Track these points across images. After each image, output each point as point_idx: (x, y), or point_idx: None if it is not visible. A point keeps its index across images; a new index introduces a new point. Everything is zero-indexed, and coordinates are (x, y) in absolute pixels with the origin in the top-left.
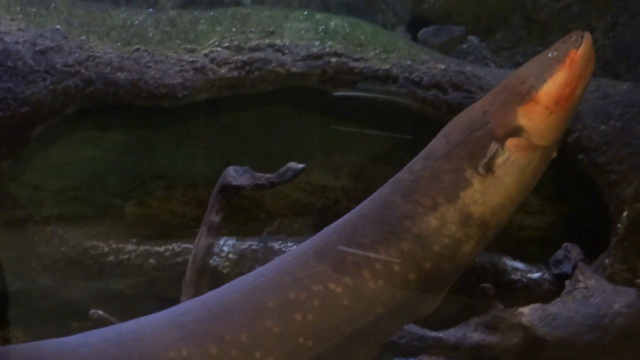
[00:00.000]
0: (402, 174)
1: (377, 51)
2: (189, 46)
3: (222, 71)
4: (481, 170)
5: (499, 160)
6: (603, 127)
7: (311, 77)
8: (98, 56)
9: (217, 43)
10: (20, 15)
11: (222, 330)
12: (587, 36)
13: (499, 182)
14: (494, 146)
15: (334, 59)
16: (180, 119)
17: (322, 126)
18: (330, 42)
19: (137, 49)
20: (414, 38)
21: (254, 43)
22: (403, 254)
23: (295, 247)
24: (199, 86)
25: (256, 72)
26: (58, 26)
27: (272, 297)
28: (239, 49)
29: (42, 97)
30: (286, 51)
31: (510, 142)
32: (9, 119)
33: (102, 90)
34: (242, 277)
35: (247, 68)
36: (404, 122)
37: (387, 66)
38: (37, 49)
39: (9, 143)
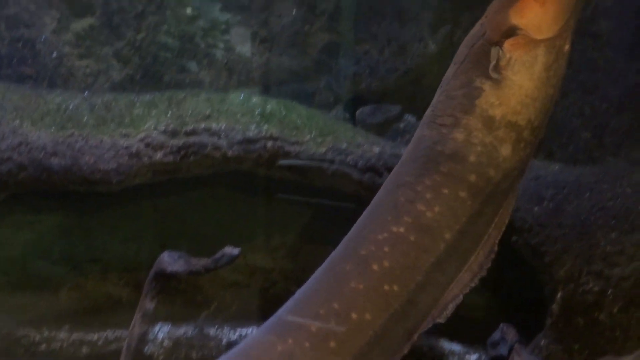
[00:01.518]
0: (427, 111)
1: (312, 134)
2: (124, 130)
3: (158, 156)
4: (489, 76)
5: (502, 62)
6: (536, 208)
7: (247, 161)
8: (31, 141)
9: (152, 127)
10: None
11: (315, 307)
12: None
13: (509, 82)
14: (494, 50)
15: (270, 143)
16: (115, 202)
17: (259, 208)
18: (266, 126)
19: (72, 134)
20: (352, 117)
21: (190, 127)
22: (445, 175)
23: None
24: (134, 171)
25: (192, 157)
26: None
27: (347, 260)
28: (174, 133)
29: None
30: (222, 135)
31: (508, 42)
32: None
33: (36, 176)
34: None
35: (182, 152)
36: (341, 204)
37: (322, 149)
38: None
39: None
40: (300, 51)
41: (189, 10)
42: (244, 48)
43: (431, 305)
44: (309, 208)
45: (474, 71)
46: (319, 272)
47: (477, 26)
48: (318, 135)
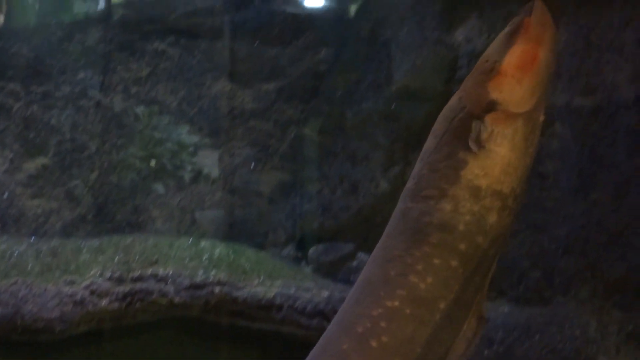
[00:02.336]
0: (407, 184)
1: (261, 279)
2: (69, 278)
3: (103, 303)
4: (472, 148)
5: (484, 135)
6: (486, 351)
7: (194, 307)
8: None
9: (98, 274)
10: None
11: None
12: (538, 3)
13: (492, 154)
14: (475, 124)
15: (217, 288)
16: (59, 350)
17: (206, 354)
18: (214, 271)
19: (15, 282)
20: (305, 256)
21: (136, 273)
22: (435, 245)
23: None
24: (78, 319)
25: (138, 304)
26: None
27: (343, 340)
28: (120, 280)
29: None
30: (169, 281)
31: (489, 117)
32: None
33: None
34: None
35: (128, 299)
36: (291, 349)
37: (270, 295)
38: None
39: None
40: (252, 191)
41: (158, 133)
42: (213, 170)
43: None
44: (257, 352)
45: (457, 144)
46: (314, 353)
47: (455, 100)
48: (267, 279)
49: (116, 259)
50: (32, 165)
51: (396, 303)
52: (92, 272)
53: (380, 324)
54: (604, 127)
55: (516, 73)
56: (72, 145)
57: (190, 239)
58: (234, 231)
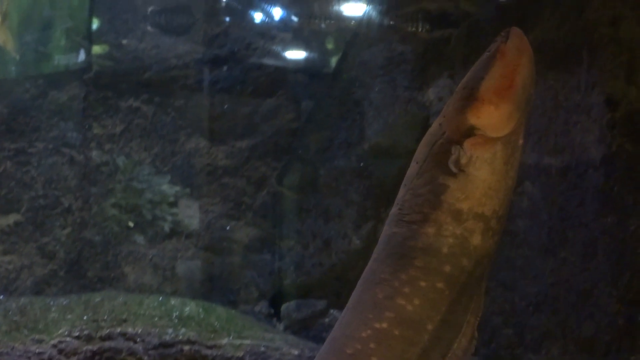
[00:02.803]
0: (392, 210)
1: (231, 337)
2: (37, 336)
3: None
4: (452, 172)
5: (463, 160)
6: None
7: None
8: None
9: (67, 332)
10: None
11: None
12: (514, 30)
13: (472, 178)
14: (455, 149)
15: (186, 347)
16: None
17: None
18: (183, 329)
19: None
20: (277, 312)
21: (105, 332)
22: (421, 269)
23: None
24: None
25: None
26: None
27: None
28: (89, 338)
29: None
30: (138, 340)
31: (468, 142)
32: None
33: None
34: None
35: (96, 358)
36: None
37: (240, 353)
38: None
39: None
40: (226, 247)
41: (138, 183)
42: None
43: None
44: None
45: (437, 169)
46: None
47: (436, 125)
48: (236, 338)
49: (85, 317)
50: (4, 222)
51: (384, 325)
52: (60, 331)
53: (370, 345)
54: (572, 187)
55: (493, 98)
56: (45, 201)
57: (161, 297)
58: (206, 288)
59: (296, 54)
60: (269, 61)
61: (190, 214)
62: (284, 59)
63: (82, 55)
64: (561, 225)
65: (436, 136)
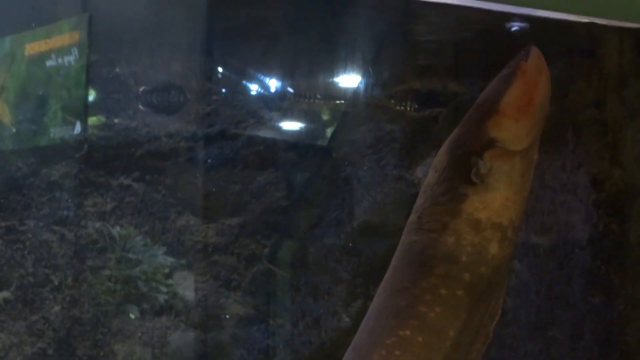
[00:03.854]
0: (410, 218)
1: None
2: None
3: None
4: (472, 182)
5: (483, 171)
6: None
7: None
8: None
9: None
10: None
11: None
12: (533, 48)
13: (491, 188)
14: (475, 160)
15: None
16: None
17: None
18: None
19: None
20: None
21: None
22: (441, 277)
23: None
24: None
25: None
26: None
27: None
28: None
29: None
30: None
31: (488, 154)
32: None
33: None
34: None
35: None
36: None
37: None
38: None
39: None
40: (215, 325)
41: (133, 254)
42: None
43: None
44: None
45: (457, 178)
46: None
47: (455, 136)
48: None
49: None
50: None
51: (408, 332)
52: None
53: (395, 352)
54: (560, 266)
55: (514, 113)
56: (35, 279)
57: None
58: None
59: (286, 133)
60: (258, 139)
61: (182, 292)
62: (274, 138)
63: (76, 131)
64: (549, 305)
65: (456, 147)
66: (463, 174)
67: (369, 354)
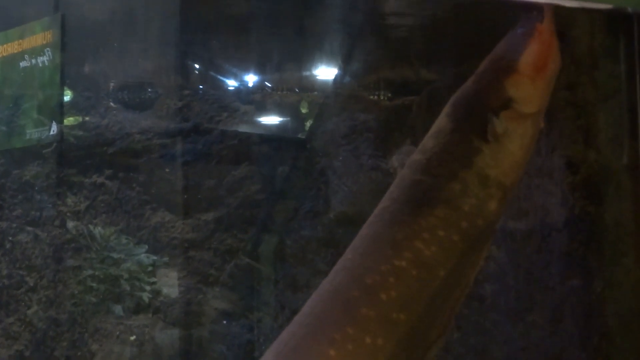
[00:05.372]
0: (415, 156)
1: None
2: None
3: None
4: (487, 139)
5: (500, 130)
6: None
7: None
8: None
9: None
10: None
11: (330, 333)
12: (547, 13)
13: (504, 148)
14: (491, 118)
15: None
16: None
17: None
18: None
19: None
20: None
21: None
22: (441, 219)
23: (352, 244)
24: None
25: None
26: None
27: (353, 288)
28: None
29: None
30: None
31: (505, 114)
32: None
33: None
34: (322, 284)
35: None
36: None
37: None
38: None
39: None
40: (194, 321)
41: (113, 254)
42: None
43: (426, 334)
44: None
45: (473, 132)
46: (321, 298)
47: (471, 90)
48: None
49: None
50: None
51: (403, 263)
52: None
53: (389, 279)
54: (537, 250)
55: (531, 73)
56: (10, 281)
57: None
58: None
59: (260, 126)
60: (232, 133)
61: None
62: (248, 131)
63: (52, 131)
64: (528, 289)
65: (472, 101)
66: (479, 128)
67: (362, 277)
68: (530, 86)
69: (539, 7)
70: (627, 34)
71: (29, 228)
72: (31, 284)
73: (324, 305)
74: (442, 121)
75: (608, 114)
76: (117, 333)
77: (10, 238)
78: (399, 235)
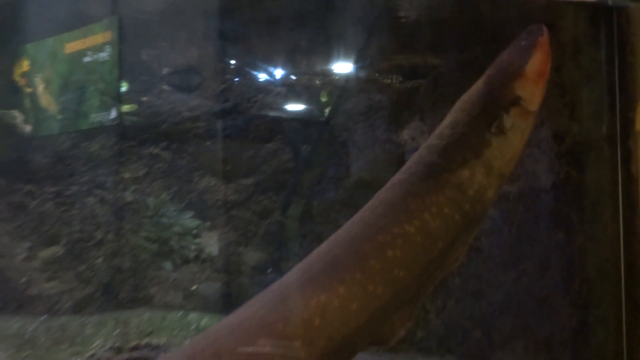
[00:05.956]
0: (433, 140)
1: None
2: (75, 349)
3: None
4: (496, 132)
5: (507, 124)
6: None
7: None
8: None
9: (100, 345)
10: None
11: (341, 274)
12: (543, 27)
13: (509, 141)
14: (502, 114)
15: None
16: None
17: None
18: None
19: (26, 356)
20: None
21: (133, 344)
22: (449, 199)
23: (370, 204)
24: None
25: None
26: None
27: (366, 242)
28: (119, 350)
29: None
30: (162, 349)
31: (513, 110)
32: None
33: None
34: (336, 233)
35: None
36: None
37: None
38: None
39: None
40: (236, 269)
41: (166, 219)
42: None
43: (416, 292)
44: None
45: (486, 127)
46: (339, 244)
47: (484, 90)
48: None
49: (116, 332)
50: (47, 253)
51: (412, 229)
52: (95, 344)
53: (398, 241)
54: (527, 209)
55: (535, 77)
56: (81, 235)
57: (181, 313)
58: (220, 304)
59: (290, 105)
60: (267, 112)
61: (205, 243)
62: (280, 110)
63: (111, 113)
64: (519, 242)
65: (485, 98)
66: (489, 123)
67: (375, 235)
68: (534, 88)
69: (538, 25)
70: (608, 24)
71: (97, 191)
72: (99, 238)
73: (340, 250)
74: (458, 114)
75: (590, 93)
76: (171, 280)
77: (80, 200)
78: (412, 205)
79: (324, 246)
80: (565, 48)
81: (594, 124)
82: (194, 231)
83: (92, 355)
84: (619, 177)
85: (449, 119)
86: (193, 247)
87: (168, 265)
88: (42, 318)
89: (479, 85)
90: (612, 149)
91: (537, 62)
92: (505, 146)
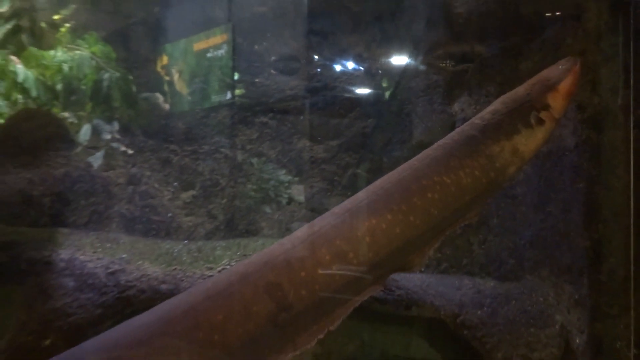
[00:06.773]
0: (475, 120)
1: None
2: (209, 265)
3: None
4: (527, 125)
5: (535, 122)
6: (479, 312)
7: None
8: (149, 274)
9: (227, 262)
10: (100, 249)
11: (390, 204)
12: (580, 60)
13: (534, 134)
14: (534, 113)
15: None
16: None
17: None
18: None
19: (175, 269)
20: None
21: None
22: (480, 165)
23: (419, 156)
24: None
25: None
26: (124, 255)
27: (413, 183)
28: None
29: (110, 303)
30: None
31: (543, 114)
32: (88, 318)
33: (150, 296)
34: (389, 174)
35: None
36: None
37: None
38: (109, 270)
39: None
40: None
41: (265, 175)
42: (300, 198)
43: (442, 232)
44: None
45: (519, 120)
46: (391, 182)
47: (523, 93)
48: None
49: (238, 253)
50: (186, 195)
51: (448, 181)
52: (223, 262)
53: (437, 187)
54: (554, 165)
55: (565, 94)
56: (210, 183)
57: None
58: None
59: (366, 84)
60: (349, 90)
61: (301, 190)
62: (359, 88)
63: (227, 94)
64: (547, 190)
65: (523, 99)
66: (522, 117)
67: (420, 179)
68: (562, 101)
69: (575, 56)
70: (625, 15)
71: (222, 149)
72: (222, 185)
73: (391, 187)
74: (498, 106)
75: (609, 71)
76: (275, 218)
77: (210, 156)
78: (452, 163)
79: (378, 182)
80: (589, 35)
81: (611, 97)
82: (286, 184)
83: (221, 270)
84: (630, 139)
85: (490, 108)
86: (285, 195)
87: (267, 209)
88: (184, 242)
89: (520, 89)
90: (626, 116)
91: (569, 84)
92: (531, 137)
